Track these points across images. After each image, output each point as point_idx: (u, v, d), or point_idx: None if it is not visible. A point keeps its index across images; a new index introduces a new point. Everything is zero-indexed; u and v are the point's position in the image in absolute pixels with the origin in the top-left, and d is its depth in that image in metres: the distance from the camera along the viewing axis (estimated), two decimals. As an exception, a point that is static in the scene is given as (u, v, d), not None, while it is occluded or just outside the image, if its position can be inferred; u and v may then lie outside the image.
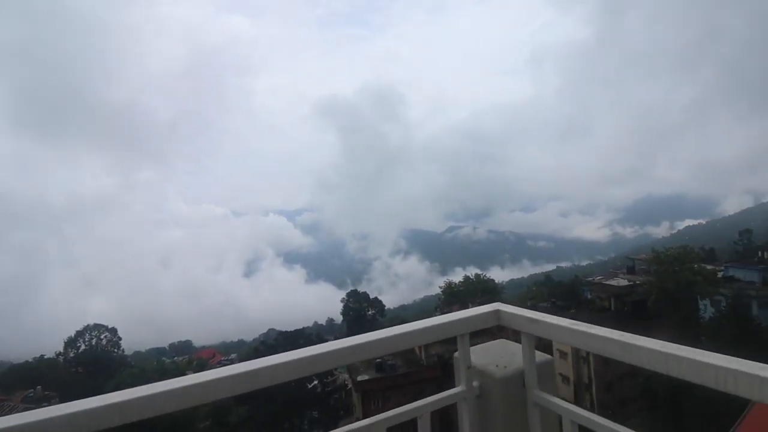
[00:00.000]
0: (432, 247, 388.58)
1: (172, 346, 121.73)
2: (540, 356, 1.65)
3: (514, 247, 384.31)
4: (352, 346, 1.45)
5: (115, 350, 70.26)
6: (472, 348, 1.84)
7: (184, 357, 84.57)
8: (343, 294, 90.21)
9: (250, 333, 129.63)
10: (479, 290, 63.42)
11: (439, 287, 70.40)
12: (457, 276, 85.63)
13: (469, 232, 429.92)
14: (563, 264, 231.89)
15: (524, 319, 1.57)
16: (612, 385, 37.31)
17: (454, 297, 62.74)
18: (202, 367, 56.65)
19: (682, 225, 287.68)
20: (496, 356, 1.76)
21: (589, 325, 1.28)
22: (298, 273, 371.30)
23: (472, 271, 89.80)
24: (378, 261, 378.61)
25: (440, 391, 1.66)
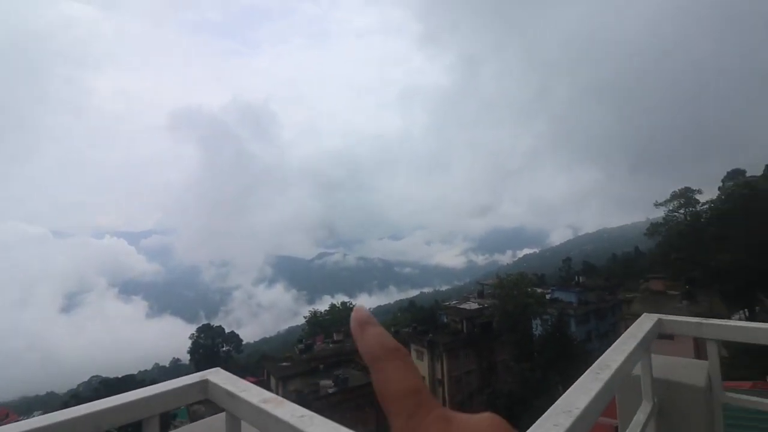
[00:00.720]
0: (300, 275, 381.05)
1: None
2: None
3: (382, 274, 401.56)
4: None
5: None
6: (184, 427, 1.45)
7: (-47, 424, 64.62)
8: (194, 329, 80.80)
9: (68, 383, 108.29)
10: (344, 318, 63.30)
11: (304, 317, 68.21)
12: (324, 304, 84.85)
13: (339, 258, 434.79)
14: (426, 289, 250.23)
15: (226, 394, 1.28)
16: (460, 380, 42.22)
17: (319, 327, 61.37)
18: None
19: (521, 253, 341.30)
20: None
21: (270, 397, 1.24)
22: (138, 306, 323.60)
23: (340, 299, 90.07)
24: (239, 290, 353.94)
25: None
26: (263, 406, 1.10)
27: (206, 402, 1.35)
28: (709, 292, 37.48)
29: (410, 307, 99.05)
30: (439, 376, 42.56)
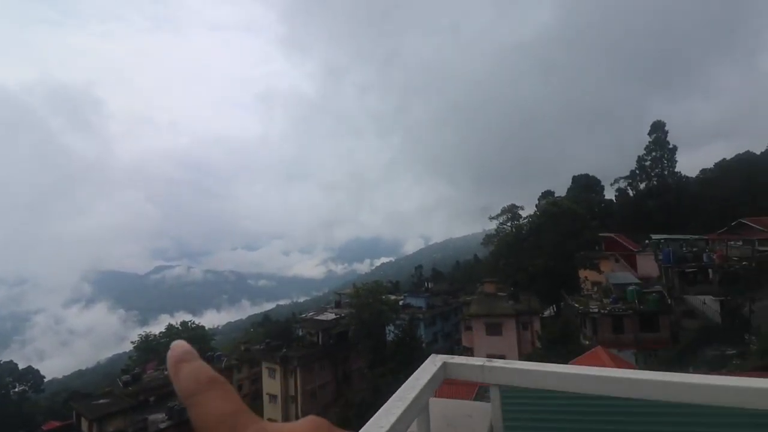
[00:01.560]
0: (130, 293, 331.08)
1: None
2: None
3: (234, 288, 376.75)
4: None
5: None
6: None
7: None
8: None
9: None
10: (186, 340, 57.17)
11: (132, 342, 59.47)
12: (161, 325, 75.44)
13: (181, 272, 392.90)
14: (283, 302, 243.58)
15: None
16: (315, 393, 42.29)
17: (152, 353, 54.06)
18: None
19: (379, 262, 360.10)
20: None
21: None
22: None
23: (182, 318, 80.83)
24: (42, 314, 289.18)
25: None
26: None
27: None
28: (528, 293, 45.08)
29: (265, 321, 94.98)
30: (293, 393, 41.46)
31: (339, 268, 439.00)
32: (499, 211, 57.75)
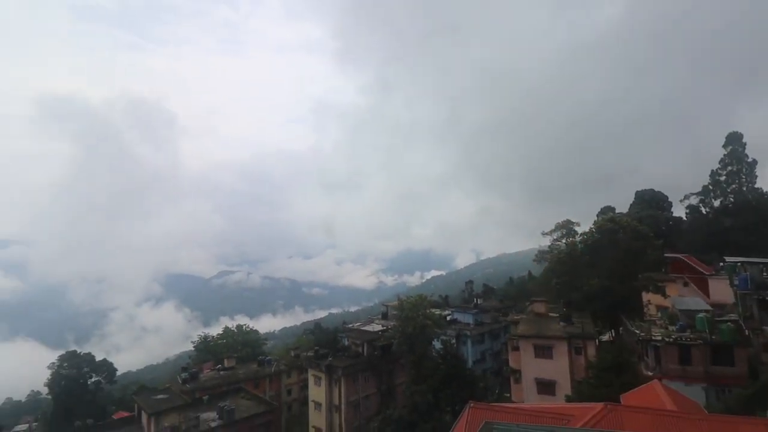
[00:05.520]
0: (196, 294, 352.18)
1: None
2: None
3: (289, 294, 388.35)
4: None
5: None
6: None
7: None
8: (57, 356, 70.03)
9: None
10: (239, 343, 59.72)
11: (192, 342, 62.97)
12: (221, 327, 79.59)
13: (241, 277, 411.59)
14: (334, 310, 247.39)
15: None
16: (358, 405, 42.58)
17: (210, 353, 56.92)
18: None
19: (429, 275, 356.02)
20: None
21: None
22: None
23: (241, 321, 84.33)
24: (117, 311, 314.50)
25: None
26: None
27: None
28: (583, 315, 42.39)
29: (315, 329, 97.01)
30: (337, 402, 41.76)
31: (389, 280, 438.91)
32: (553, 227, 55.08)
